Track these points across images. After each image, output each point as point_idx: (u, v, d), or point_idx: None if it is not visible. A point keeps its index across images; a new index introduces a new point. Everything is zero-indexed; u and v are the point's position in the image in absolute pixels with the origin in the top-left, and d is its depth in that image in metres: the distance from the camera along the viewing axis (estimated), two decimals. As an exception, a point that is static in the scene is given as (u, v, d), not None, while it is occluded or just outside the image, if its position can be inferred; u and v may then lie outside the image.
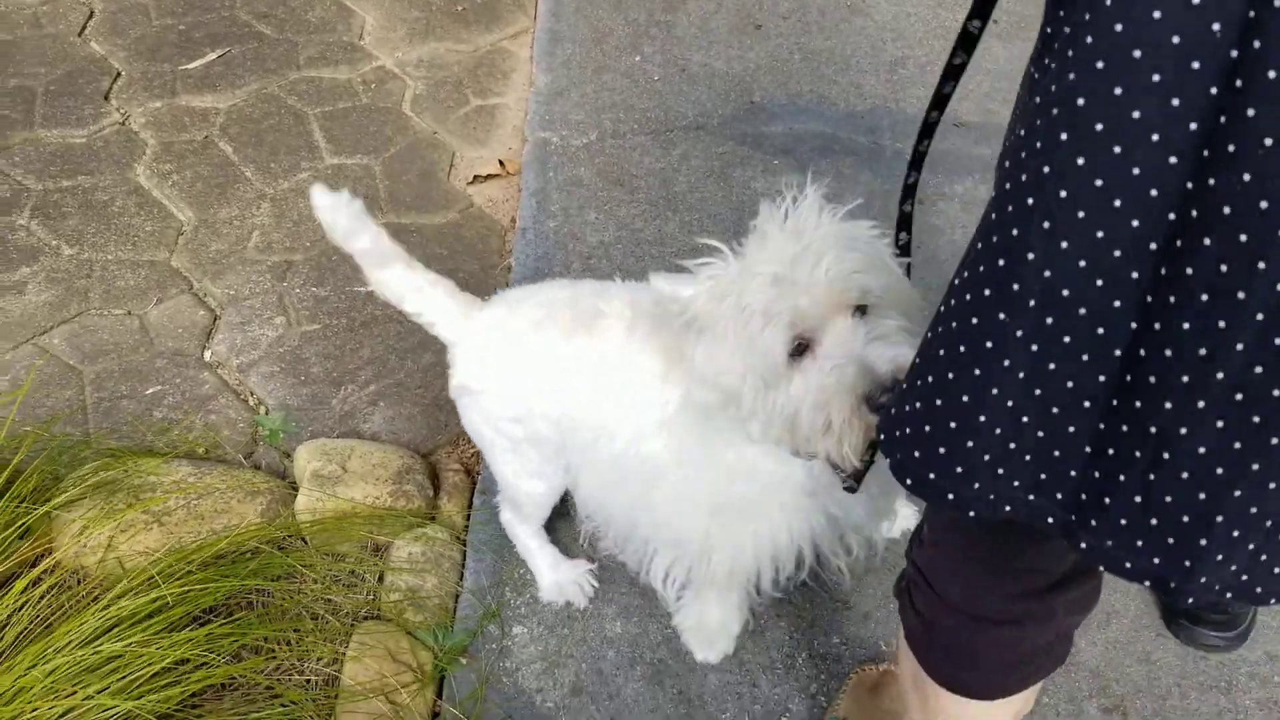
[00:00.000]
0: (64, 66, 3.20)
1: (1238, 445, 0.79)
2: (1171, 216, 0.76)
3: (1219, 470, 0.81)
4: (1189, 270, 0.76)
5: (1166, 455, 0.83)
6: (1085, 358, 0.85)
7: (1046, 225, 0.81)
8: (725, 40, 3.35)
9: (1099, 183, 0.77)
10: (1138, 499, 0.86)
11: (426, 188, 2.88)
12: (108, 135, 2.98)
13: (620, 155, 2.92)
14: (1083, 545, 0.92)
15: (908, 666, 1.31)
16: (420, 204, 2.82)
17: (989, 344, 0.88)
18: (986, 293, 0.87)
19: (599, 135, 2.99)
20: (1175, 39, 0.71)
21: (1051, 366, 0.86)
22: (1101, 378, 0.85)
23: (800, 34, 3.38)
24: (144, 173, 2.87)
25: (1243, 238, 0.72)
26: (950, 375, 0.93)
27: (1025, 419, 0.90)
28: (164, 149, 2.95)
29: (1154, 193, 0.76)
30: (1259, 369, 0.76)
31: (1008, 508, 0.96)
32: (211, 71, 3.21)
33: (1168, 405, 0.81)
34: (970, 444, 0.93)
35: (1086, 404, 0.87)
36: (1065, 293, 0.82)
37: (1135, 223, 0.77)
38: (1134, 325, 0.81)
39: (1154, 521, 0.86)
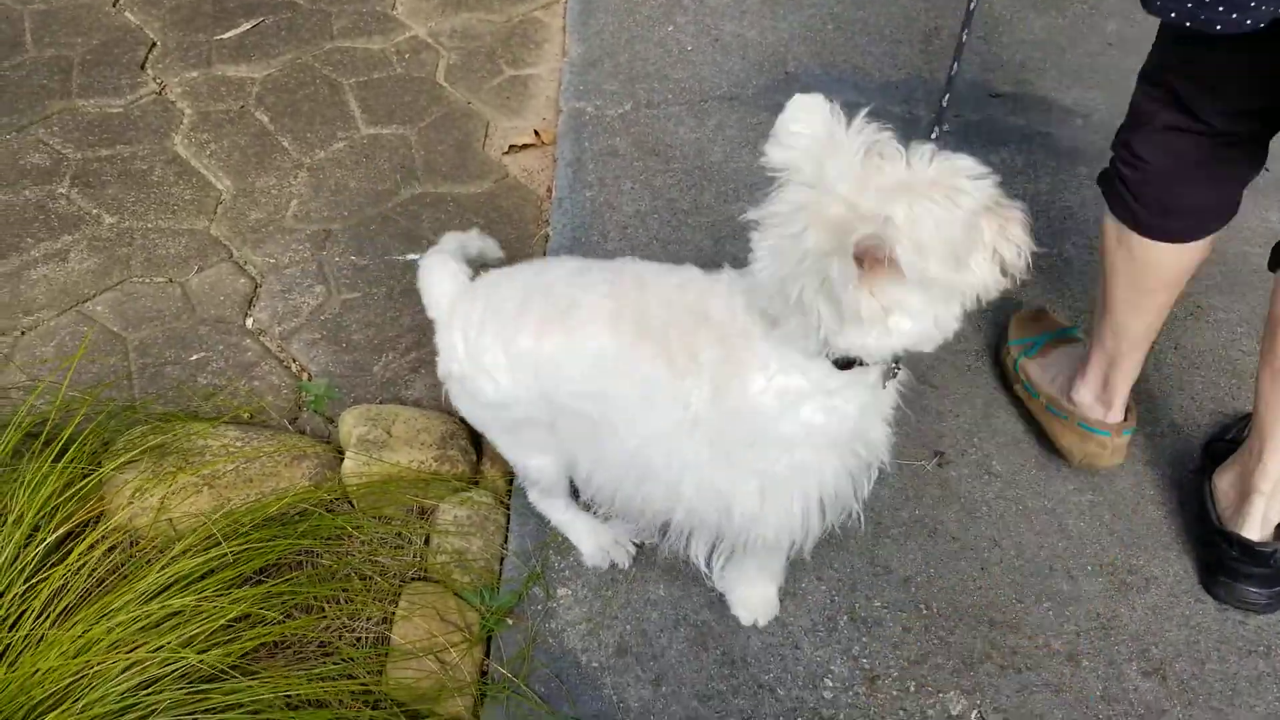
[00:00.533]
0: (100, 36, 3.22)
1: None
2: None
3: None
4: None
5: None
6: None
7: None
8: (758, 10, 3.34)
9: None
10: None
11: (462, 158, 2.89)
12: (145, 105, 3.00)
13: (655, 125, 2.93)
14: None
15: (1112, 232, 1.84)
16: (456, 174, 2.83)
17: None
18: None
19: (633, 105, 2.99)
20: None
21: None
22: None
23: (834, 3, 3.37)
24: (182, 142, 2.89)
25: None
26: None
27: None
28: (201, 118, 2.96)
29: None
30: None
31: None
32: (246, 41, 3.23)
33: None
34: None
35: None
36: None
37: None
38: None
39: None
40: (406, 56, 3.21)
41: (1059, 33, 3.23)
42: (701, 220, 2.63)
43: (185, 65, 3.13)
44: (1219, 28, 1.43)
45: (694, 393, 1.51)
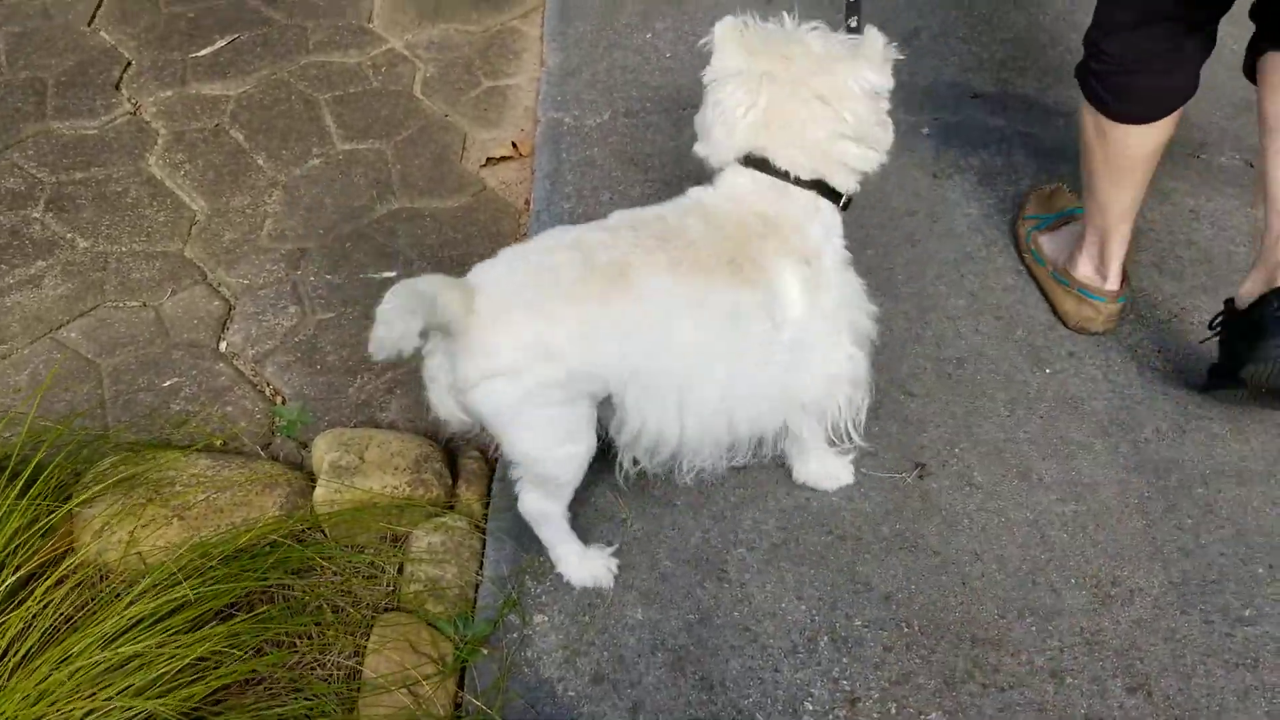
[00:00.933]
0: (74, 57, 3.19)
1: None
2: None
3: None
4: None
5: None
6: None
7: None
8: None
9: None
10: None
11: (439, 171, 2.86)
12: (119, 126, 2.98)
13: (634, 134, 2.90)
14: None
15: (1089, 120, 2.13)
16: (433, 188, 2.81)
17: None
18: None
19: (612, 114, 2.96)
20: None
21: None
22: None
23: (813, 7, 3.32)
24: (156, 163, 2.87)
25: None
26: None
27: None
28: (175, 138, 2.94)
29: None
30: None
31: None
32: (221, 59, 3.20)
33: None
34: None
35: None
36: None
37: None
38: None
39: None
40: (383, 70, 3.18)
41: (1040, 30, 3.19)
42: (680, 231, 2.60)
43: (160, 84, 3.11)
44: None
45: (777, 296, 1.72)
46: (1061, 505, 2.03)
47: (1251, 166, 2.71)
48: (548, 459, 1.75)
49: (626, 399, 1.70)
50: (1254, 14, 2.01)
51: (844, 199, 1.81)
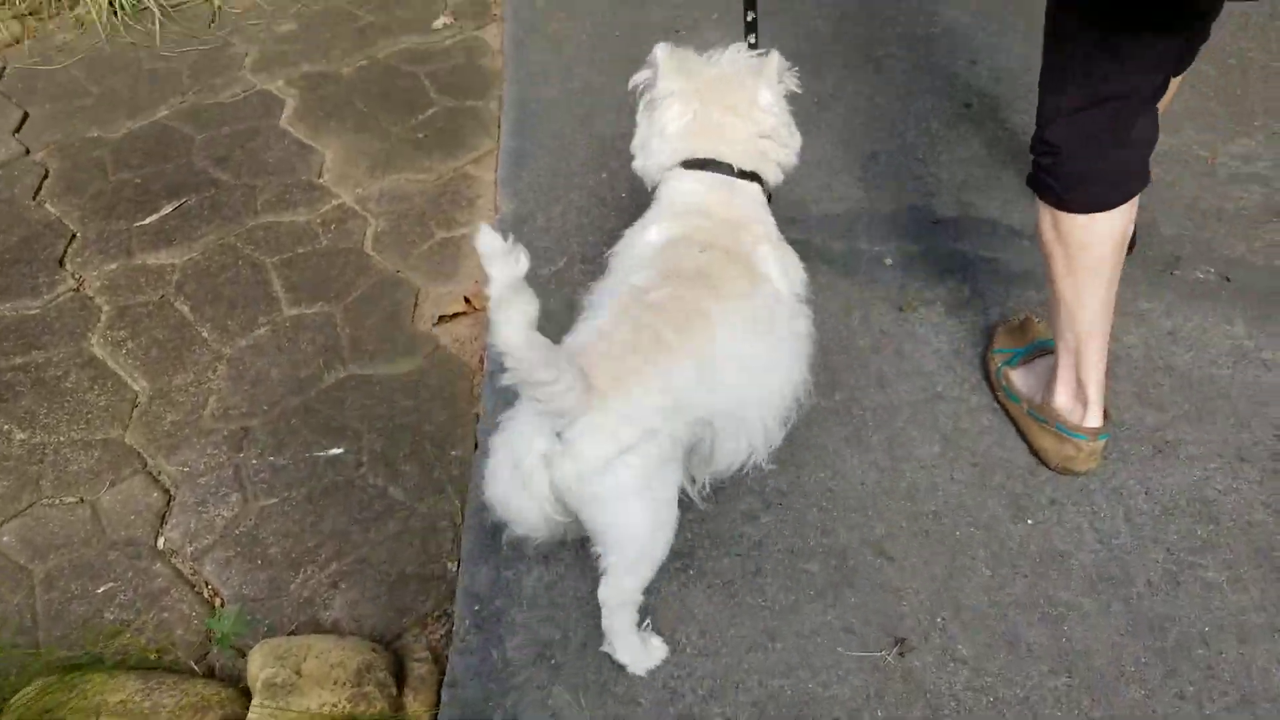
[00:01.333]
0: (18, 233, 3.13)
1: None
2: None
3: None
4: None
5: None
6: None
7: None
8: (692, 147, 3.25)
9: None
10: None
11: (390, 332, 2.77)
12: (62, 304, 2.90)
13: (590, 282, 2.81)
14: None
15: (1046, 220, 2.05)
16: (384, 351, 2.71)
17: None
18: None
19: (568, 261, 2.89)
20: None
21: None
22: None
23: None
24: (98, 341, 2.78)
25: None
26: None
27: None
28: (119, 314, 2.86)
29: None
30: None
31: None
32: (168, 225, 3.14)
33: None
34: None
35: None
36: None
37: None
38: None
39: None
40: (333, 227, 3.11)
41: (999, 148, 3.13)
42: (638, 386, 2.49)
43: (105, 257, 3.04)
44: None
45: (770, 279, 1.93)
46: (1054, 679, 1.89)
47: (1228, 280, 2.62)
48: (658, 535, 1.77)
49: (719, 431, 1.84)
50: None
51: (768, 192, 2.09)
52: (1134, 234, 2.46)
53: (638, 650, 1.90)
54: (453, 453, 2.43)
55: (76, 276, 2.99)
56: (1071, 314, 2.09)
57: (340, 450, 2.44)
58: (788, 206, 2.99)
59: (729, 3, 3.87)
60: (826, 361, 2.44)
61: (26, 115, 3.62)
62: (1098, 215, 1.99)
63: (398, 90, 3.63)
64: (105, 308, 2.89)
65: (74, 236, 3.12)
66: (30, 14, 4.01)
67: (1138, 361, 2.45)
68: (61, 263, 3.03)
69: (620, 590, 1.81)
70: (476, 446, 2.42)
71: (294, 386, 2.63)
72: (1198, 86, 3.24)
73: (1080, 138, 1.96)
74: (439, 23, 4.04)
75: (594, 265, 2.85)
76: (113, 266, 3.01)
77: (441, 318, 2.81)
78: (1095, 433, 2.15)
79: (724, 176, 2.00)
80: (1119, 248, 2.03)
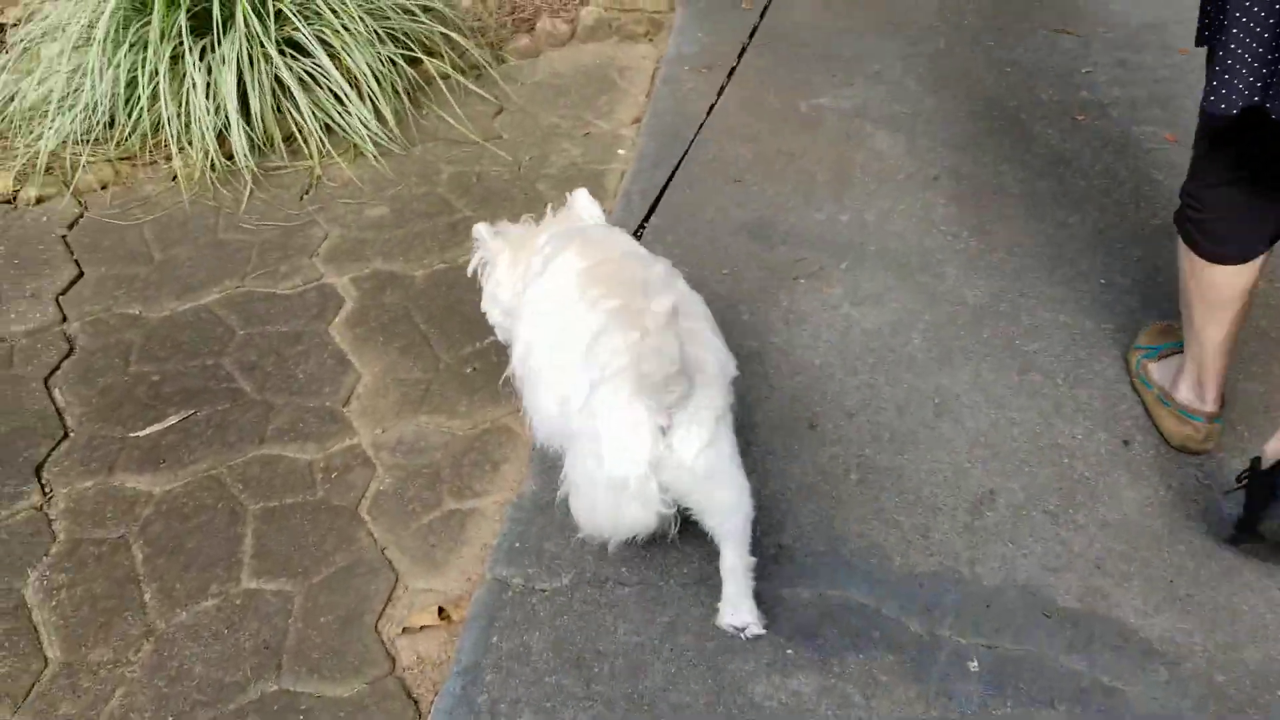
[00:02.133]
0: (9, 423, 2.84)
1: None
2: None
3: None
4: None
5: None
6: None
7: None
8: (767, 439, 2.69)
9: None
10: None
11: (346, 635, 2.30)
12: (15, 524, 2.56)
13: (590, 616, 2.27)
14: None
15: (1186, 263, 2.41)
16: (329, 661, 2.24)
17: None
18: None
19: (574, 579, 2.35)
20: None
21: None
22: None
23: (867, 442, 2.67)
24: (34, 584, 2.42)
25: None
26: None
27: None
28: (69, 550, 2.50)
29: None
30: None
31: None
32: (164, 441, 2.79)
33: None
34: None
35: None
36: None
37: None
38: None
39: None
40: (334, 476, 2.69)
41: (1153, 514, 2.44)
42: (601, 798, 1.92)
43: (85, 471, 2.71)
44: None
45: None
46: None
47: None
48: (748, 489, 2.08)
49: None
50: None
51: None
52: None
53: (758, 610, 2.15)
54: None
55: (47, 490, 2.66)
56: (1197, 335, 2.45)
57: (223, 811, 1.96)
58: (862, 550, 2.38)
59: (861, 254, 3.33)
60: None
61: (80, 276, 3.40)
62: (1227, 268, 2.33)
63: (463, 307, 3.22)
64: (60, 536, 2.53)
65: (65, 437, 2.81)
66: (124, 159, 3.83)
67: None
68: (39, 470, 2.71)
69: (744, 547, 2.09)
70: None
71: (213, 694, 2.18)
72: None
73: (1225, 202, 2.29)
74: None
75: (603, 591, 2.33)
76: (88, 485, 2.67)
77: (406, 629, 2.32)
78: (1211, 416, 2.50)
79: None
80: (1245, 293, 2.36)
